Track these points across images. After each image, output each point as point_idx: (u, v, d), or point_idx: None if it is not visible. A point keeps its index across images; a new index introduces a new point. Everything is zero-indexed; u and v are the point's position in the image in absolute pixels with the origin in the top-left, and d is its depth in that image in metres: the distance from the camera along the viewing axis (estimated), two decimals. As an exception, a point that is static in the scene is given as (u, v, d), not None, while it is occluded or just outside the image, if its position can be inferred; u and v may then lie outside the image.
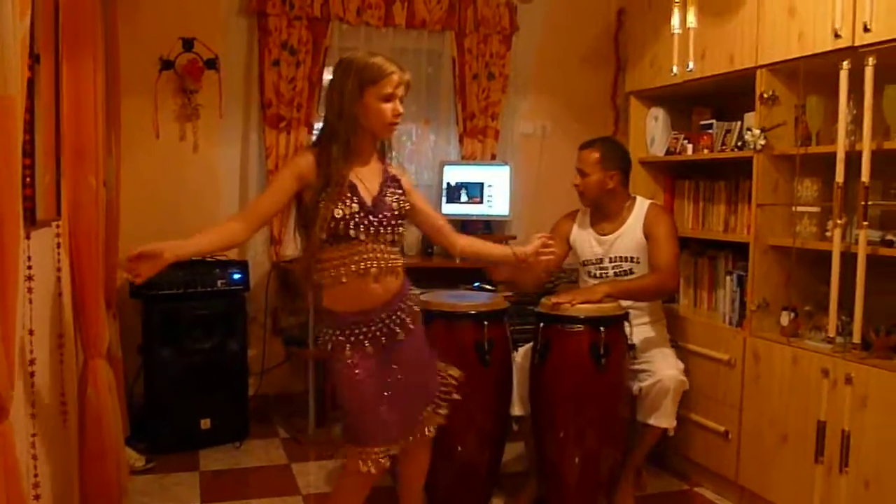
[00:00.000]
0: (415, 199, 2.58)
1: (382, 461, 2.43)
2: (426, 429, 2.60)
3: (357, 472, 2.43)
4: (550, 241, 2.68)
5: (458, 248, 2.70)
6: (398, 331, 2.45)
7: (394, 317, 2.45)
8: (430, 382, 2.61)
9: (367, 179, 2.43)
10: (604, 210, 3.53)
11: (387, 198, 2.44)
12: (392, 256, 2.44)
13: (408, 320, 2.49)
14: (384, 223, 2.40)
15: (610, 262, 3.48)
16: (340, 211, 2.33)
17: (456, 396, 2.64)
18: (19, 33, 1.56)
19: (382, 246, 2.41)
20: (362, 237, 2.36)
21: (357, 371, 2.40)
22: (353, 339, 2.41)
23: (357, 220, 2.35)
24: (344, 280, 2.37)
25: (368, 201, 2.39)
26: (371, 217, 2.37)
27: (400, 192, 2.50)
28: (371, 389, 2.42)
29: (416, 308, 2.57)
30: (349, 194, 2.35)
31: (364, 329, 2.41)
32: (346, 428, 2.50)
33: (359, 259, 2.37)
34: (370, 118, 2.39)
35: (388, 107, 2.39)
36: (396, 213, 2.44)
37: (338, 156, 2.36)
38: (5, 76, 1.48)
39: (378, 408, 2.42)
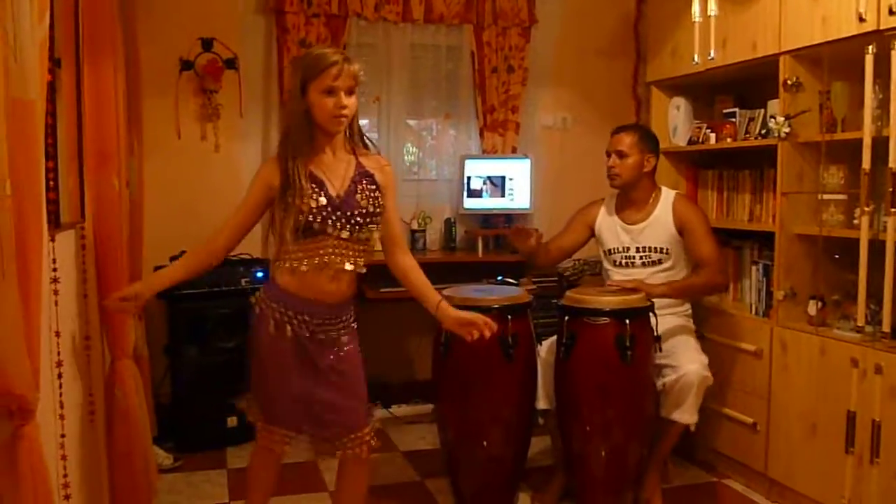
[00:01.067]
0: (385, 199, 2.49)
1: (278, 440, 2.46)
2: (354, 450, 2.47)
3: (260, 446, 2.52)
4: (477, 331, 2.50)
5: (397, 265, 2.57)
6: (322, 338, 2.42)
7: (334, 322, 2.43)
8: (348, 409, 2.47)
9: (333, 175, 2.40)
10: (631, 197, 3.51)
11: (357, 195, 2.39)
12: (358, 256, 2.41)
13: (343, 338, 2.47)
14: (352, 220, 2.37)
15: (637, 251, 3.46)
16: (307, 205, 2.31)
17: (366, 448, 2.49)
18: (38, 37, 1.56)
19: (350, 243, 2.39)
20: (329, 230, 2.34)
21: (274, 345, 2.40)
22: (284, 317, 2.39)
23: (325, 213, 2.33)
24: (303, 269, 2.36)
25: (335, 196, 2.36)
26: (338, 212, 2.35)
27: (373, 188, 2.44)
28: (282, 370, 2.41)
29: (353, 329, 2.52)
30: (315, 188, 2.34)
31: (299, 316, 2.39)
32: (253, 396, 2.53)
33: (324, 252, 2.35)
34: (316, 113, 2.34)
35: (330, 100, 2.31)
36: (365, 210, 2.39)
37: (293, 154, 2.35)
38: (26, 80, 1.49)
39: (282, 390, 2.42)
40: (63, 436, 2.17)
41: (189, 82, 4.23)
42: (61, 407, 2.19)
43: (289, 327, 2.39)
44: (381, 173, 2.48)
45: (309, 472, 3.62)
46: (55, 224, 2.17)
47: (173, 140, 4.23)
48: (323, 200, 2.33)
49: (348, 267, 2.39)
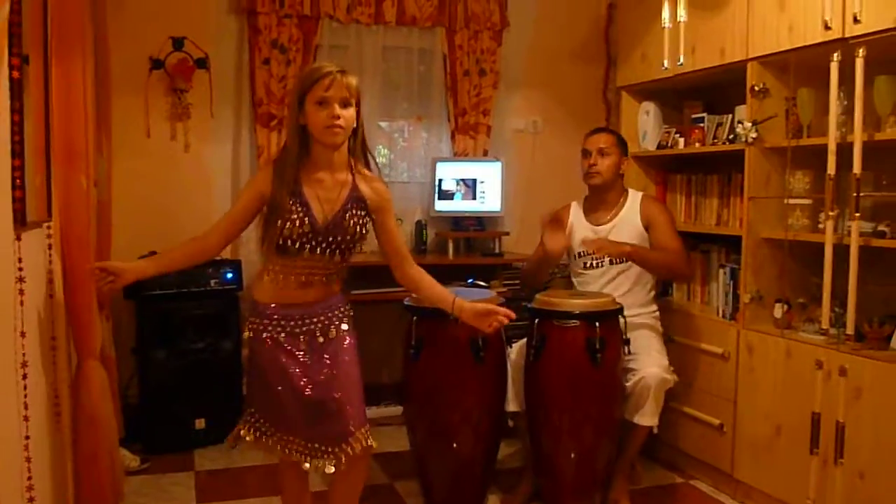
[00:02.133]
0: (382, 218, 2.49)
1: (277, 446, 2.44)
2: (350, 448, 2.40)
3: (281, 465, 2.54)
4: (503, 318, 2.52)
5: (406, 278, 2.56)
6: (311, 334, 2.42)
7: (320, 317, 2.43)
8: (343, 407, 2.42)
9: (325, 197, 2.36)
10: (602, 199, 3.55)
11: (345, 220, 2.37)
12: (333, 273, 2.43)
13: (333, 330, 2.45)
14: (334, 245, 2.36)
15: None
16: (289, 230, 2.30)
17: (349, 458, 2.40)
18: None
19: (326, 263, 2.39)
20: (306, 255, 2.34)
21: (266, 355, 2.40)
22: (270, 328, 2.40)
23: (305, 239, 2.32)
24: (280, 284, 2.38)
25: (321, 222, 2.34)
26: (320, 238, 2.33)
27: (363, 213, 2.41)
28: (279, 377, 2.40)
29: (345, 321, 2.50)
30: (301, 212, 2.32)
31: (283, 321, 2.39)
32: (253, 411, 2.50)
33: (300, 270, 2.37)
34: (311, 126, 2.32)
35: (323, 111, 2.29)
36: (349, 236, 2.38)
37: (288, 170, 2.33)
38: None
39: (280, 396, 2.40)
40: (28, 437, 2.14)
41: (159, 81, 4.20)
42: (26, 408, 2.16)
43: (281, 334, 2.39)
44: (374, 196, 2.45)
45: (277, 475, 3.59)
46: (21, 223, 2.14)
47: (143, 139, 4.19)
48: (307, 227, 2.32)
49: (321, 280, 2.41)
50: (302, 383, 2.40)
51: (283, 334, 2.40)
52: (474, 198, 4.58)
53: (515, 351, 3.35)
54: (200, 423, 3.91)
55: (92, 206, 2.83)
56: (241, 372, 4.10)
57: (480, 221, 4.67)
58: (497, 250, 4.59)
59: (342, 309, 2.50)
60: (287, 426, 2.44)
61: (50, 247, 2.53)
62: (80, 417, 2.68)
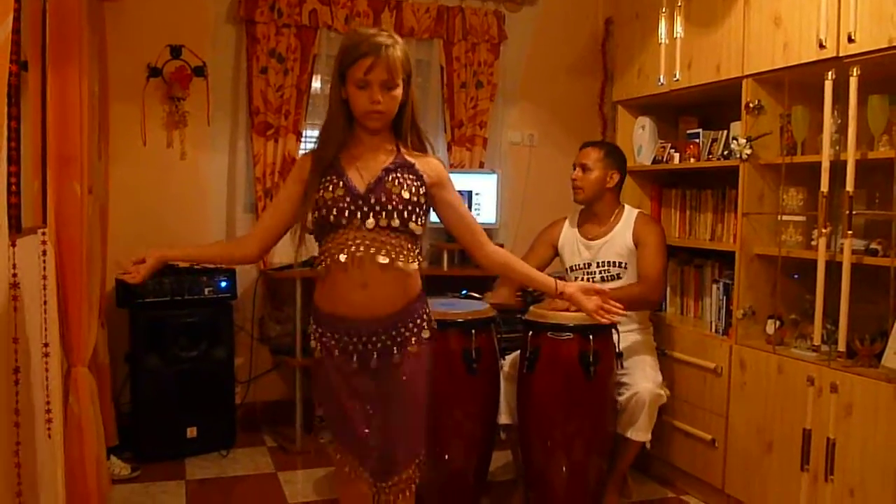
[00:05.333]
0: (442, 194, 2.24)
1: (352, 466, 2.21)
2: (402, 492, 2.23)
3: (341, 478, 2.28)
4: (615, 309, 2.36)
5: (484, 253, 2.28)
6: (378, 355, 2.15)
7: (384, 337, 2.15)
8: (411, 426, 2.23)
9: (363, 166, 2.13)
10: (593, 213, 3.55)
11: (387, 181, 2.10)
12: (397, 249, 2.10)
13: (397, 356, 2.17)
14: (379, 208, 2.08)
15: (598, 266, 3.50)
16: (323, 198, 2.08)
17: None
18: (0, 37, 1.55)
19: (380, 235, 2.08)
20: (344, 222, 2.08)
21: (324, 366, 2.19)
22: (324, 339, 2.17)
23: (342, 205, 2.07)
24: (330, 270, 2.11)
25: (360, 187, 2.09)
26: (360, 202, 2.07)
27: (412, 178, 2.13)
28: (335, 396, 2.19)
29: (425, 332, 2.22)
30: (335, 178, 2.10)
31: (339, 336, 2.15)
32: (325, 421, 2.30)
33: (346, 244, 2.08)
34: (352, 106, 2.10)
35: (363, 94, 2.06)
36: (396, 197, 2.09)
37: (329, 148, 2.14)
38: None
39: (346, 406, 2.18)
40: (18, 443, 2.14)
41: (156, 89, 4.20)
42: (17, 414, 2.15)
43: (336, 351, 2.16)
44: (428, 169, 2.19)
45: (268, 484, 3.59)
46: (16, 229, 2.15)
47: (139, 147, 4.18)
48: (340, 191, 2.08)
49: (381, 260, 2.08)
50: (358, 409, 2.19)
51: (336, 349, 2.16)
52: (470, 209, 4.58)
53: (508, 363, 3.35)
54: (192, 432, 3.90)
55: (86, 212, 2.83)
56: (233, 381, 4.10)
57: (475, 233, 4.67)
58: (492, 262, 4.58)
59: (407, 327, 2.18)
60: (348, 446, 2.23)
61: (44, 253, 2.53)
62: (68, 424, 2.67)
